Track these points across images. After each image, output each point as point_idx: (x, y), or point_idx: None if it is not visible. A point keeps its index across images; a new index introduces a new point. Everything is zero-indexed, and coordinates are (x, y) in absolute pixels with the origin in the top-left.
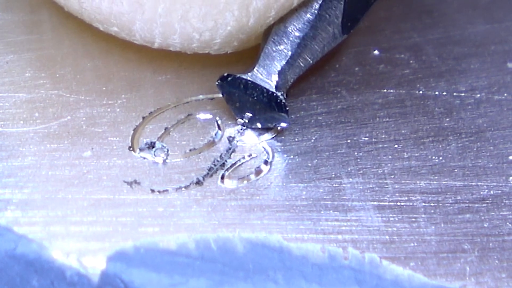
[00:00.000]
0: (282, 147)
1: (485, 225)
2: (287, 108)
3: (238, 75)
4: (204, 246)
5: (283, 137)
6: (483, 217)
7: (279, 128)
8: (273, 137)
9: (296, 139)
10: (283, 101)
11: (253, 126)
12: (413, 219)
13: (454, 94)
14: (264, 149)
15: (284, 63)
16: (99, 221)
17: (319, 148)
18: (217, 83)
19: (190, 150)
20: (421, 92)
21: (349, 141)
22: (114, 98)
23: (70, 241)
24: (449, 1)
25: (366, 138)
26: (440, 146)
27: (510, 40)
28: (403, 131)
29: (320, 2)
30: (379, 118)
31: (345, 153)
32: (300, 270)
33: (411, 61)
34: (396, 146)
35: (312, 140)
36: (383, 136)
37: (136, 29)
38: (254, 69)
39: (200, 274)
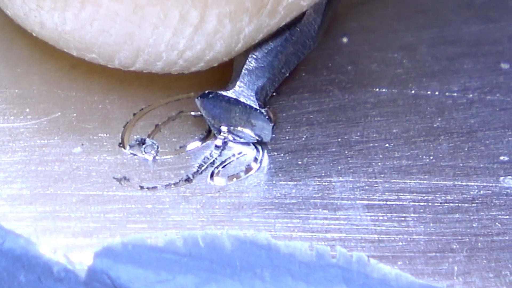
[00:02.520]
0: (272, 145)
1: (474, 225)
2: (272, 124)
3: (219, 92)
4: (192, 243)
5: (273, 135)
6: (472, 217)
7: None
8: None
9: (287, 137)
10: (266, 117)
11: (234, 139)
12: (402, 218)
13: (447, 94)
14: (254, 146)
15: (266, 79)
16: (88, 217)
17: (310, 147)
18: (197, 100)
19: (180, 147)
20: (413, 91)
21: (340, 139)
22: (105, 95)
23: (58, 237)
24: (444, 1)
25: (357, 137)
26: (431, 145)
27: (504, 41)
28: (394, 131)
29: (301, 19)
30: (370, 117)
31: (335, 151)
32: (287, 268)
33: (404, 61)
34: (387, 145)
35: (303, 139)
36: (374, 135)
37: (118, 57)
38: (236, 86)
39: (187, 271)
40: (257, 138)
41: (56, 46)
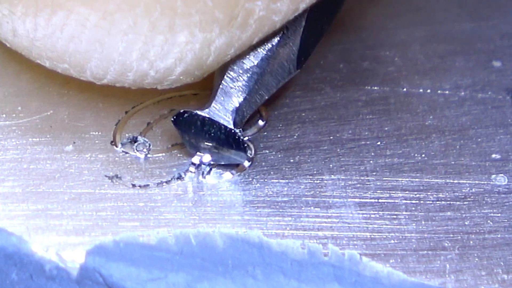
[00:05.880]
0: (265, 143)
1: (466, 223)
2: (245, 145)
3: (195, 112)
4: (184, 241)
5: (265, 133)
6: (464, 215)
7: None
8: (255, 133)
9: (279, 135)
10: (241, 137)
11: (210, 162)
12: (394, 216)
13: (438, 92)
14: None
15: (242, 99)
16: (79, 215)
17: (302, 145)
18: (172, 119)
19: (172, 145)
20: (405, 89)
21: (332, 137)
22: (97, 93)
23: (50, 235)
24: None
25: (349, 135)
26: (423, 143)
27: (495, 39)
28: (386, 128)
29: (277, 39)
30: (362, 115)
31: (327, 149)
32: (279, 266)
33: (396, 59)
34: (379, 143)
35: (295, 137)
36: (366, 133)
37: (89, 67)
38: (211, 106)
39: (179, 269)
40: (232, 161)
41: (30, 57)
